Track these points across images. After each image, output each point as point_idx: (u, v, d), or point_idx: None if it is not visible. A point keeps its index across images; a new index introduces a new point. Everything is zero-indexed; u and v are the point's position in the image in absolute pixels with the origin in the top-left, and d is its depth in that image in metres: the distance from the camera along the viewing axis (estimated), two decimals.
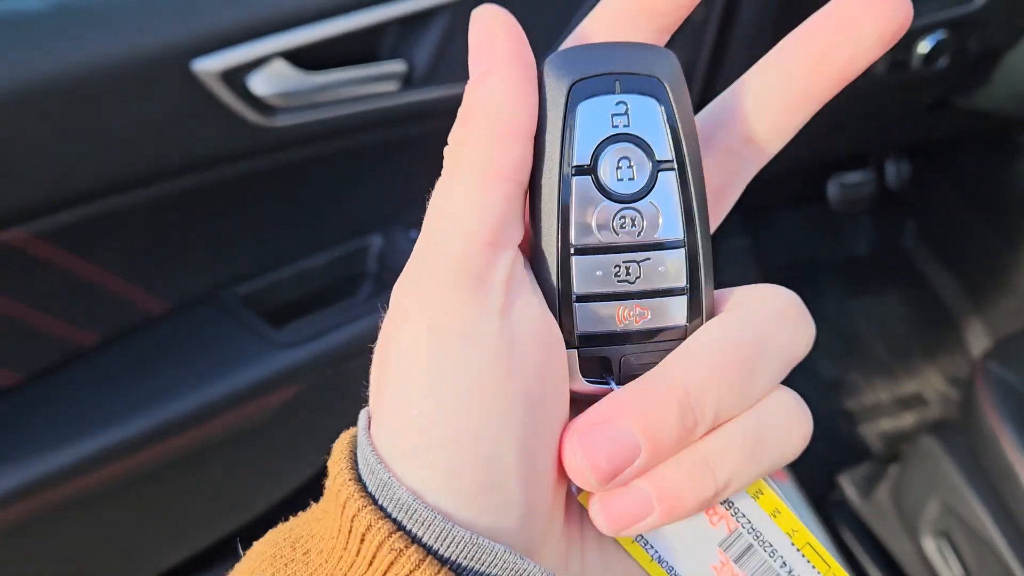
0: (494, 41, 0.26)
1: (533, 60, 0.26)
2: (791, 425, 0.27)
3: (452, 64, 0.85)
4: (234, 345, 0.85)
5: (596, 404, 0.26)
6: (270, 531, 0.28)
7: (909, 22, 0.26)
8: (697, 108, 0.28)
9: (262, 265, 0.90)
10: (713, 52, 1.14)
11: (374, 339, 0.27)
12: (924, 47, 1.14)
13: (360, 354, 0.94)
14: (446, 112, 0.88)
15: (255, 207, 0.86)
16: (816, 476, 1.55)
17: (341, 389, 0.94)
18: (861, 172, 1.92)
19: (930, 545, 1.25)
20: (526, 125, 0.25)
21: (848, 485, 1.44)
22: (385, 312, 0.27)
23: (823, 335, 1.42)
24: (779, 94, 0.27)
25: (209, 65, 0.70)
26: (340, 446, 0.27)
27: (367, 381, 0.28)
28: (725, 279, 0.30)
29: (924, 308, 1.89)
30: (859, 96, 1.27)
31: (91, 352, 0.81)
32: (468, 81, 0.26)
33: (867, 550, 1.39)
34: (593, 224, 0.26)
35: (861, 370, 1.75)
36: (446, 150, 0.27)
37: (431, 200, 0.26)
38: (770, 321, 0.27)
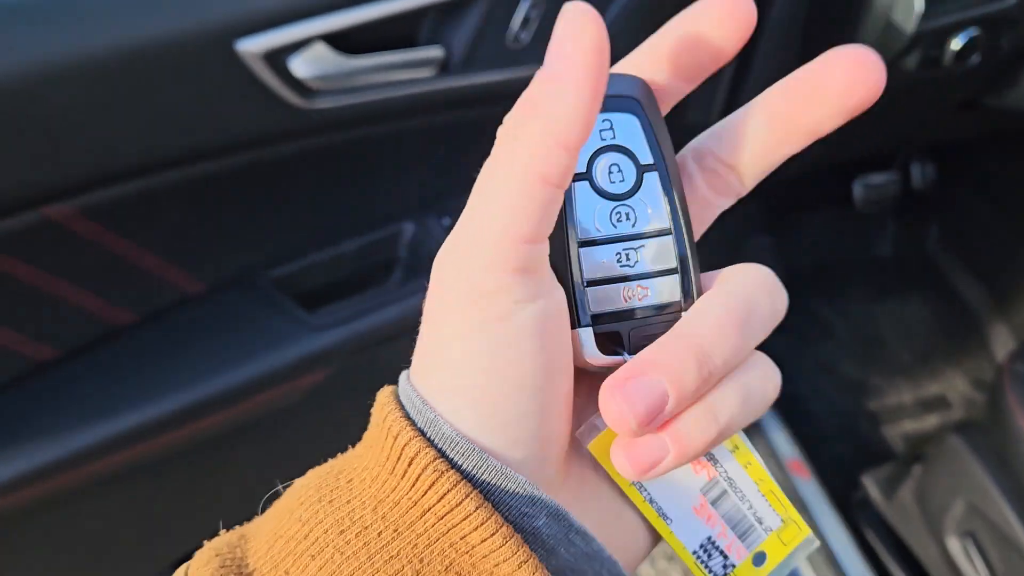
0: (576, 46, 0.26)
1: (607, 72, 0.27)
2: (769, 378, 0.32)
3: (489, 52, 0.86)
4: (267, 327, 0.86)
5: (624, 365, 0.30)
6: (310, 471, 0.31)
7: (878, 93, 0.29)
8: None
9: (296, 249, 0.91)
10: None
11: (405, 324, 0.30)
12: (957, 44, 1.13)
13: (391, 339, 0.95)
14: (481, 100, 0.89)
15: (291, 191, 0.87)
16: (838, 476, 1.55)
17: (372, 373, 0.94)
18: (886, 173, 1.91)
19: (955, 545, 1.24)
20: (579, 139, 0.27)
21: (871, 485, 1.44)
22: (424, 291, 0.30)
23: (845, 337, 1.41)
24: (759, 137, 0.32)
25: (252, 46, 0.71)
26: (383, 395, 0.30)
27: (398, 365, 0.32)
28: None
29: (947, 311, 1.88)
30: (891, 93, 1.26)
31: (126, 330, 0.82)
32: (541, 70, 0.27)
33: (890, 550, 1.38)
34: (594, 220, 0.31)
35: (883, 372, 1.75)
36: (500, 130, 0.29)
37: (479, 177, 0.29)
38: (755, 290, 0.32)
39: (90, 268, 0.76)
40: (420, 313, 0.30)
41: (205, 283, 0.86)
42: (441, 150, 0.94)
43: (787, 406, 1.63)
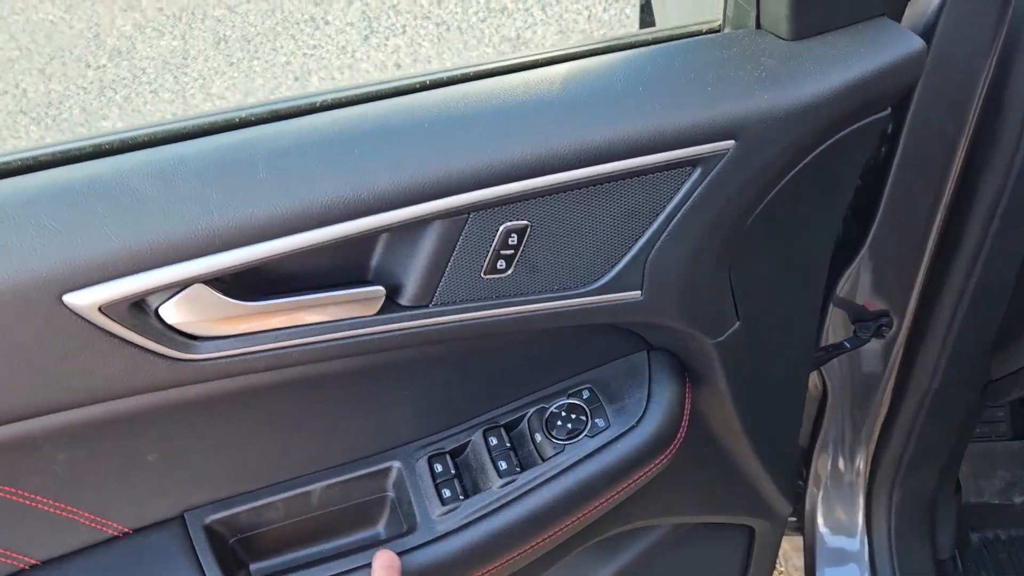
0: None
1: None
2: None
3: (457, 284, 0.66)
4: None
5: None
6: None
7: None
8: None
9: (240, 488, 0.76)
10: None
11: None
12: None
13: None
14: (454, 337, 0.69)
15: (220, 425, 0.72)
16: None
17: None
18: None
19: None
20: None
21: None
22: None
23: None
24: None
25: (90, 297, 0.57)
26: None
27: None
28: None
29: None
30: None
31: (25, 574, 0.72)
32: None
33: None
34: None
35: None
36: None
37: None
38: None
39: None
40: None
41: (128, 524, 0.74)
42: (423, 381, 0.75)
43: None
